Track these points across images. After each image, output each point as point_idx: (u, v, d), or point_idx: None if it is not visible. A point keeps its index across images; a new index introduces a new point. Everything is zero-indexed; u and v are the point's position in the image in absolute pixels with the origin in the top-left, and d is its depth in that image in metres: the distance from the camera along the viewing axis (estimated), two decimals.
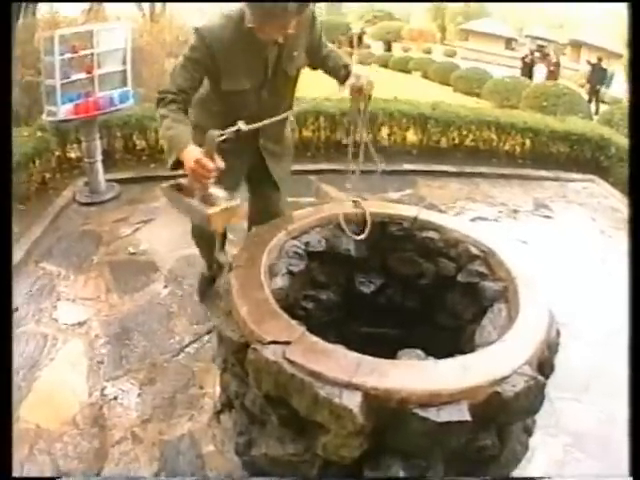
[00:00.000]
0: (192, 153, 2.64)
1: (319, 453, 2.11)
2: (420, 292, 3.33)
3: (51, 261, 5.18)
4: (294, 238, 3.07)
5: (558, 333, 2.47)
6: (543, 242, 5.47)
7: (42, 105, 7.17)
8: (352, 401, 1.91)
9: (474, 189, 7.21)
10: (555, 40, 43.69)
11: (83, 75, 6.08)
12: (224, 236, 4.23)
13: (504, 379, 2.05)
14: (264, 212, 3.61)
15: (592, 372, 3.71)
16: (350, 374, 1.99)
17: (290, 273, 2.85)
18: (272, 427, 2.35)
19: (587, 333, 4.06)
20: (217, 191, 2.70)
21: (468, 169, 7.77)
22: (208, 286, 4.29)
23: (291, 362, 2.05)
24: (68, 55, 5.86)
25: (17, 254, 5.13)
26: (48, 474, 3.01)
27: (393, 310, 3.35)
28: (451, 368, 2.13)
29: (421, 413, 1.91)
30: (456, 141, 8.42)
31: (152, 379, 3.64)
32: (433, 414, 1.91)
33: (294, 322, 2.32)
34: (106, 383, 3.64)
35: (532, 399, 2.12)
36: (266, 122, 2.89)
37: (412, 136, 8.31)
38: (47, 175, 7.04)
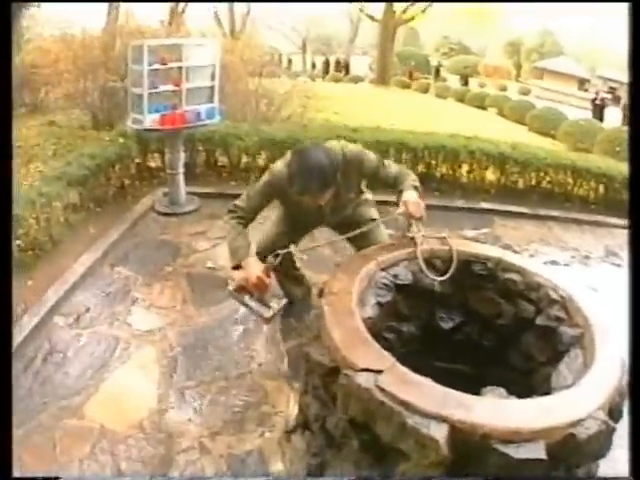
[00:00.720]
0: (254, 268, 3.47)
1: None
2: (496, 332, 3.44)
3: (127, 266, 5.41)
4: (383, 270, 3.23)
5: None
6: (613, 290, 5.46)
7: (122, 111, 7.46)
8: (439, 432, 2.04)
9: (547, 232, 7.30)
10: (627, 82, 43.11)
11: (170, 87, 6.32)
12: (295, 268, 4.44)
13: (579, 422, 2.16)
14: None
15: None
16: (438, 406, 2.13)
17: (379, 304, 3.01)
18: (350, 451, 2.49)
19: None
20: (268, 294, 3.58)
21: (543, 212, 7.84)
22: (286, 306, 4.47)
23: (382, 390, 2.20)
24: (156, 66, 6.10)
25: (93, 255, 5.42)
26: (108, 474, 3.14)
27: (468, 347, 3.47)
28: (531, 408, 2.26)
29: (501, 449, 2.03)
30: (533, 182, 8.44)
31: (224, 393, 3.77)
32: (513, 450, 2.03)
33: (385, 352, 2.46)
34: (177, 392, 3.77)
35: (602, 443, 2.24)
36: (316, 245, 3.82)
37: (490, 175, 8.41)
38: (126, 181, 7.34)
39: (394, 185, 3.66)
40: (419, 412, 2.11)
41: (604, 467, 2.57)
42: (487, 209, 7.68)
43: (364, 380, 2.25)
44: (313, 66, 45.93)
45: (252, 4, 36.27)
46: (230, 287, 3.63)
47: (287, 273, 4.28)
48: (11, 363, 2.65)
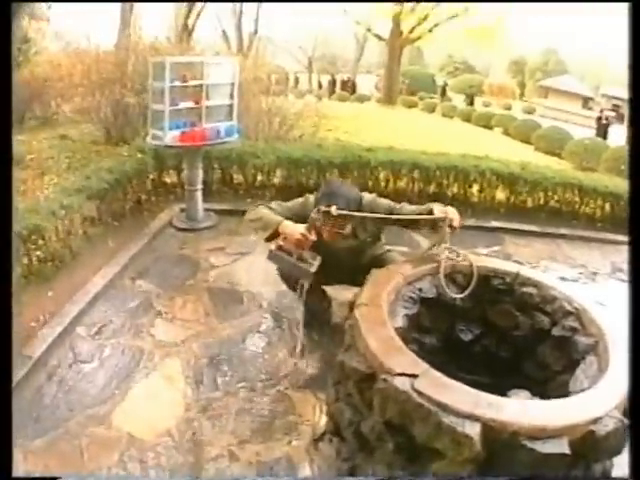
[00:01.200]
0: (296, 227, 3.88)
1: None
2: (513, 343, 3.67)
3: (148, 280, 5.57)
4: (409, 284, 3.47)
5: None
6: (620, 305, 5.56)
7: (134, 127, 7.57)
8: (473, 430, 2.26)
9: (556, 249, 7.52)
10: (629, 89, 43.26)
11: (191, 104, 6.49)
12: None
13: (598, 420, 2.40)
14: None
15: None
16: (471, 406, 2.35)
17: (406, 315, 3.23)
18: (383, 454, 2.69)
19: None
20: (306, 252, 3.90)
21: (551, 230, 8.07)
22: (308, 321, 4.66)
23: (419, 393, 2.41)
24: (177, 83, 6.28)
25: (113, 268, 5.60)
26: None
27: (487, 358, 3.68)
28: (554, 408, 2.51)
29: (529, 444, 2.26)
30: (541, 201, 8.66)
31: (251, 403, 3.89)
32: (539, 446, 2.26)
33: (419, 358, 2.67)
34: (204, 401, 3.89)
35: (619, 439, 2.46)
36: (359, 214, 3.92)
37: (500, 194, 8.62)
38: (142, 196, 7.53)
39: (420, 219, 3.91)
40: (454, 412, 2.32)
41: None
42: (498, 227, 7.90)
43: (401, 384, 2.47)
44: (319, 85, 46.09)
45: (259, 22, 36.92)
46: (272, 249, 3.98)
47: (313, 287, 4.46)
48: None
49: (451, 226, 3.62)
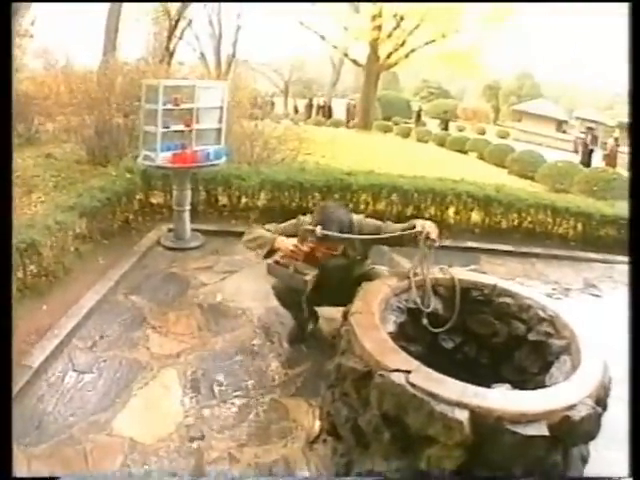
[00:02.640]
0: (289, 241, 4.25)
1: (422, 467, 2.76)
2: (492, 349, 4.03)
3: (140, 296, 5.80)
4: (397, 295, 3.84)
5: (610, 379, 3.15)
6: (592, 318, 5.82)
7: (119, 147, 7.71)
8: (462, 415, 2.60)
9: (530, 268, 7.83)
10: (604, 122, 44.10)
11: (181, 127, 6.73)
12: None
13: (573, 406, 2.75)
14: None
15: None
16: (459, 395, 2.69)
17: (395, 322, 3.61)
18: (378, 446, 3.00)
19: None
20: (301, 264, 4.21)
21: (525, 249, 8.39)
22: (297, 334, 5.02)
23: (413, 385, 2.75)
24: (169, 106, 6.51)
25: (106, 284, 5.84)
26: None
27: (467, 364, 3.99)
28: (533, 396, 2.90)
29: (512, 428, 2.60)
30: (515, 223, 9.01)
31: (247, 410, 4.13)
32: (521, 429, 2.60)
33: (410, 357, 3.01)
34: (202, 409, 4.12)
35: (592, 425, 2.83)
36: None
37: (476, 216, 8.98)
38: (130, 216, 7.77)
39: (402, 235, 4.17)
40: (444, 401, 2.66)
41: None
42: (473, 248, 8.21)
43: (397, 378, 2.80)
44: (296, 110, 46.17)
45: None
46: (269, 261, 4.31)
47: (304, 305, 4.79)
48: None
49: (430, 238, 3.87)
